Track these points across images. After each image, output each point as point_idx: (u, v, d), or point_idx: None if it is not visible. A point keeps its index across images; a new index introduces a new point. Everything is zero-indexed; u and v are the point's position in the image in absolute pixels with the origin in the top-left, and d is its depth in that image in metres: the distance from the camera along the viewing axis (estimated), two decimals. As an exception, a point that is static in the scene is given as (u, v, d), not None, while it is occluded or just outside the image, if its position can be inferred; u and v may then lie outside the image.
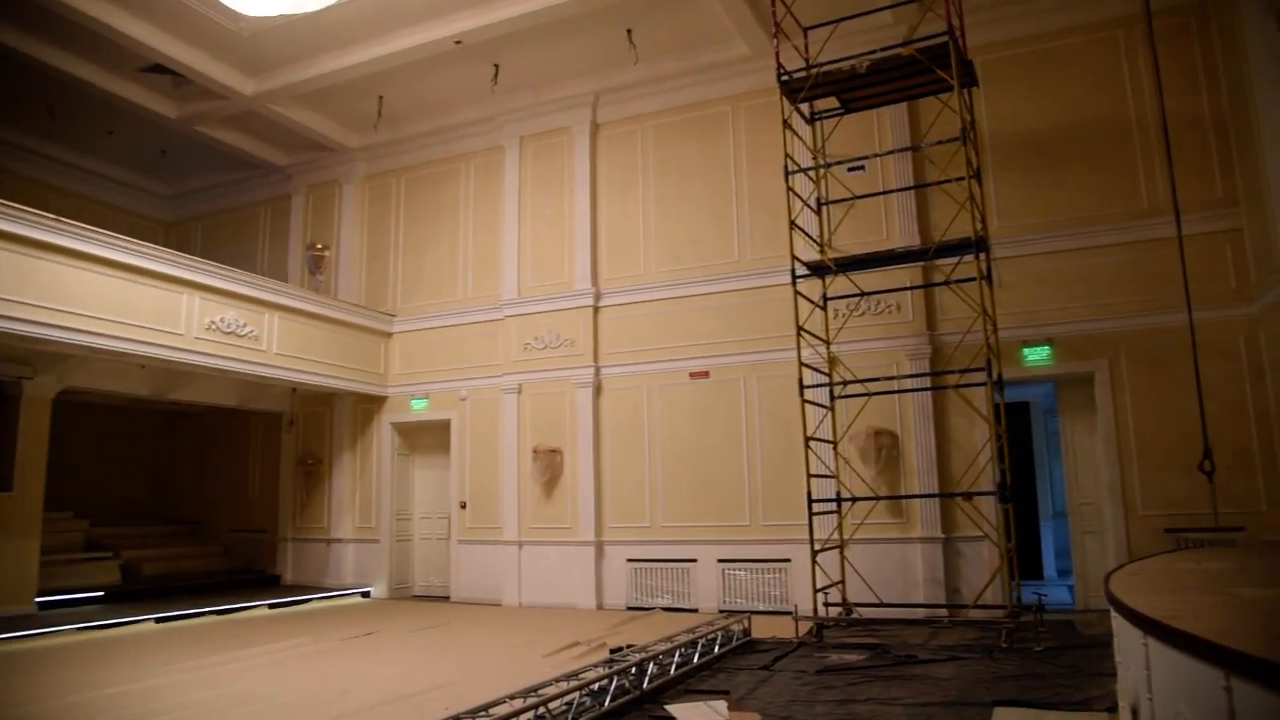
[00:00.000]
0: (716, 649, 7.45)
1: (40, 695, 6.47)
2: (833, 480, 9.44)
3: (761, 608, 10.22)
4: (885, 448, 9.93)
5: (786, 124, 9.32)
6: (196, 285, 10.33)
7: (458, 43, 10.84)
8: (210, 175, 15.36)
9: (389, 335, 13.40)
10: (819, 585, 8.71)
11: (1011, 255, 9.72)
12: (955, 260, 8.95)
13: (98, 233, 9.34)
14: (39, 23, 10.41)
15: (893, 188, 10.05)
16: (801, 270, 9.25)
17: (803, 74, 9.13)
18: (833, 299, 9.84)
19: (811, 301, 9.57)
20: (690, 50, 11.33)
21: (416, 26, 10.82)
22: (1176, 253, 8.05)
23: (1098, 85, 9.78)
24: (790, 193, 9.27)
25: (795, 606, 9.13)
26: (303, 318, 11.87)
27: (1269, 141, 8.07)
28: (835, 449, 9.56)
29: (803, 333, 9.08)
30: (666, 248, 11.68)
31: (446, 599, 12.45)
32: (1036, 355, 9.67)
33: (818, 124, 9.90)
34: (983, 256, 8.44)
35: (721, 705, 5.51)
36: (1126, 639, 3.75)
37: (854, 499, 9.35)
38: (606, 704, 5.57)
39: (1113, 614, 4.08)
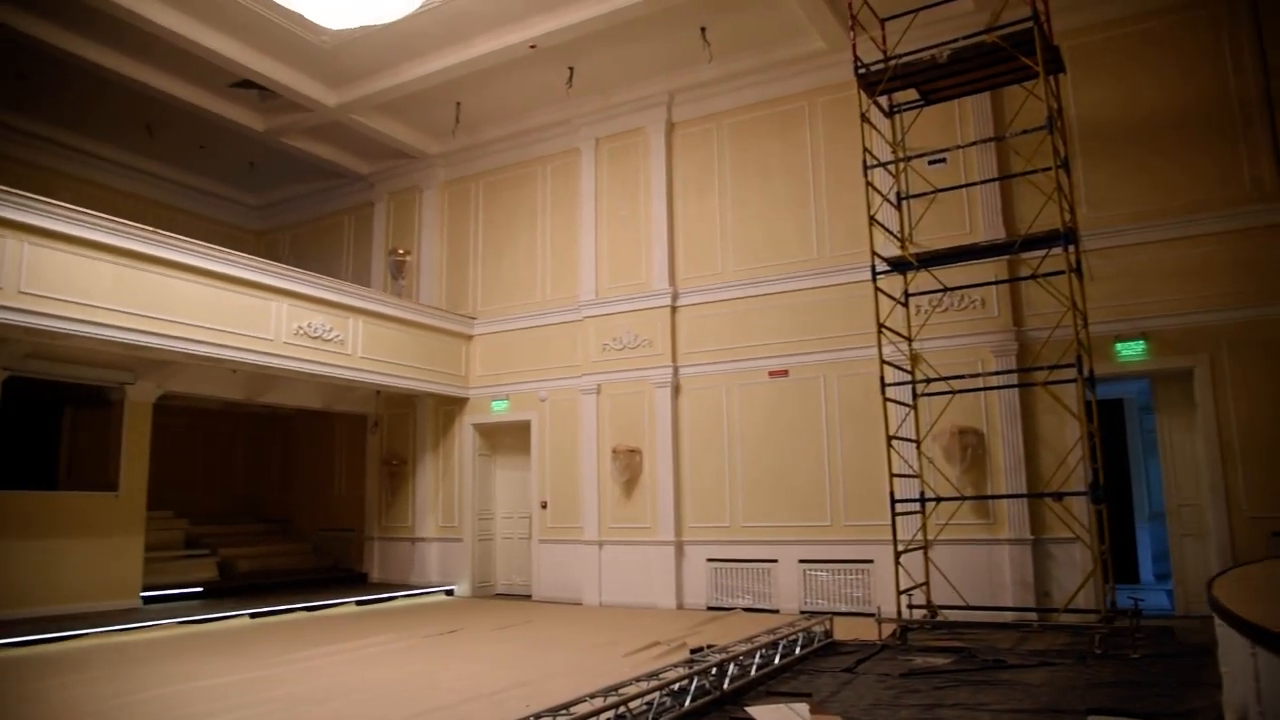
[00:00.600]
0: (798, 650, 7.36)
1: (144, 686, 6.75)
2: (916, 480, 9.25)
3: (843, 609, 10.06)
4: (970, 447, 9.68)
5: (864, 118, 9.16)
6: (285, 292, 10.67)
7: (532, 47, 10.95)
8: (296, 185, 15.89)
9: (469, 338, 13.62)
10: (903, 587, 8.54)
11: (1102, 247, 9.34)
12: (1043, 253, 8.64)
13: (193, 243, 9.75)
14: (137, 44, 10.89)
15: (976, 180, 9.79)
16: (882, 266, 9.08)
17: (880, 66, 8.97)
18: (914, 295, 9.63)
19: (892, 298, 9.39)
20: (764, 46, 11.23)
21: (491, 33, 10.97)
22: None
23: (1194, 66, 9.35)
24: (869, 188, 9.10)
25: (878, 608, 8.96)
26: (386, 322, 12.15)
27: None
28: (918, 448, 9.36)
29: (884, 330, 8.92)
30: (744, 246, 11.60)
31: (528, 598, 12.59)
32: (1131, 350, 9.30)
33: (897, 117, 9.70)
34: (1072, 248, 8.16)
35: (803, 708, 5.43)
36: (1232, 648, 3.57)
37: (938, 499, 9.14)
38: (686, 704, 5.54)
39: (1217, 621, 3.90)
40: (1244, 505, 8.65)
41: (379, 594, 12.49)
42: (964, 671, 6.70)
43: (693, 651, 7.30)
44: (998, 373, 9.60)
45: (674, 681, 5.70)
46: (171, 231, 9.65)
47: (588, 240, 12.68)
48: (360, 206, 15.48)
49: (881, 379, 8.84)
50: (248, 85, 12.09)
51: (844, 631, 8.50)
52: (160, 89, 11.85)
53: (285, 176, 15.49)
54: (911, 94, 9.47)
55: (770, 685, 6.38)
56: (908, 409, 9.44)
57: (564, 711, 5.01)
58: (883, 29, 9.49)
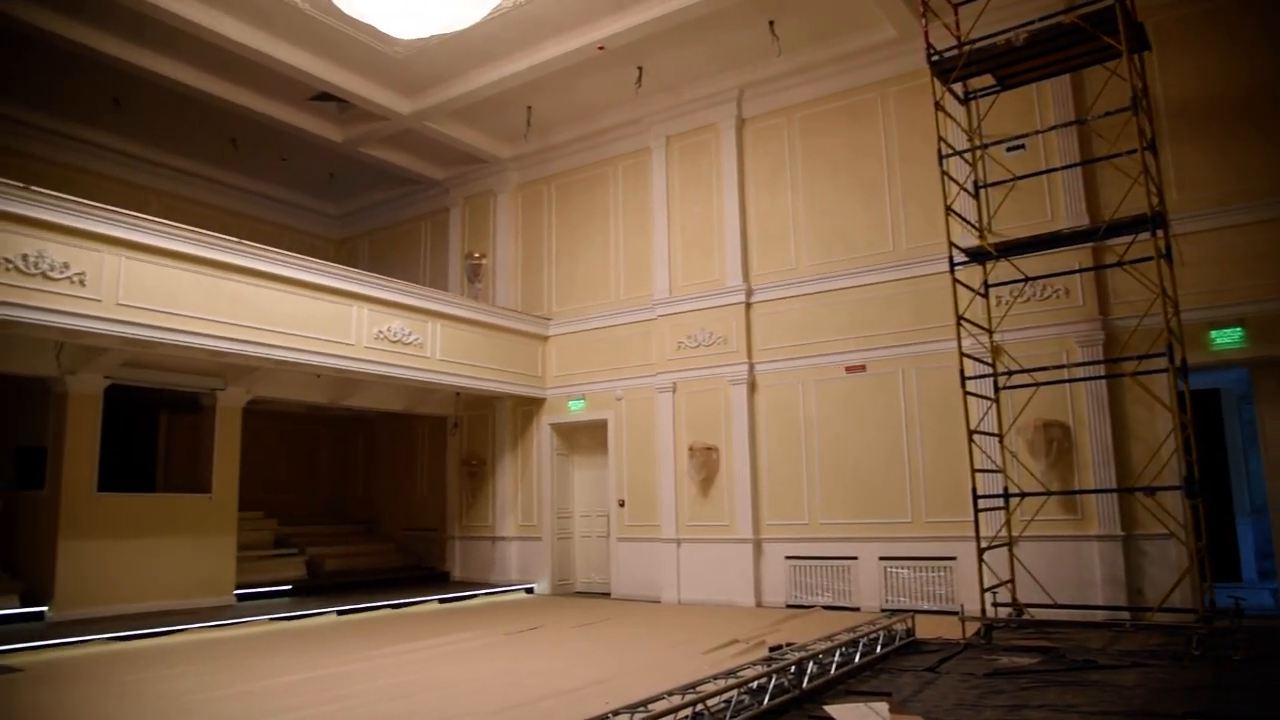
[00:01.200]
0: (878, 649, 7.24)
1: (236, 679, 7.00)
2: (999, 475, 9.02)
3: (925, 607, 9.87)
4: (1056, 440, 9.39)
5: (939, 106, 8.96)
6: (365, 298, 10.94)
7: (601, 48, 11.01)
8: (374, 193, 16.29)
9: (545, 338, 13.76)
10: (987, 584, 8.34)
11: (1193, 230, 8.95)
12: (1129, 239, 8.31)
13: (276, 253, 10.08)
14: (219, 62, 11.30)
15: (1057, 165, 9.49)
16: (959, 257, 8.88)
17: (954, 52, 8.77)
18: (994, 286, 9.39)
19: (971, 289, 9.17)
20: (834, 38, 11.08)
21: (560, 36, 11.07)
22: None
23: (1288, 39, 8.91)
24: (945, 177, 8.91)
25: (962, 606, 8.74)
26: (463, 325, 12.36)
27: None
28: (1001, 442, 9.13)
29: (963, 322, 8.72)
30: (817, 240, 11.47)
31: (607, 595, 12.67)
32: (1226, 338, 8.89)
33: (972, 104, 9.47)
34: (1160, 233, 7.83)
35: (883, 707, 5.34)
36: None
37: (1023, 494, 8.89)
38: (765, 703, 5.50)
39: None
40: (1354, 499, 8.21)
41: (460, 592, 12.72)
42: (1052, 672, 6.50)
43: (771, 649, 7.24)
44: (1084, 364, 9.29)
45: (752, 680, 5.65)
46: (256, 242, 9.98)
47: (660, 239, 12.69)
48: (436, 212, 15.78)
49: (961, 372, 8.64)
50: (326, 98, 12.45)
51: (926, 630, 8.34)
52: (243, 105, 12.28)
53: (363, 185, 15.90)
54: (987, 79, 9.23)
55: (850, 684, 6.29)
56: (989, 402, 9.21)
57: (642, 709, 5.02)
58: (955, 14, 9.27)
